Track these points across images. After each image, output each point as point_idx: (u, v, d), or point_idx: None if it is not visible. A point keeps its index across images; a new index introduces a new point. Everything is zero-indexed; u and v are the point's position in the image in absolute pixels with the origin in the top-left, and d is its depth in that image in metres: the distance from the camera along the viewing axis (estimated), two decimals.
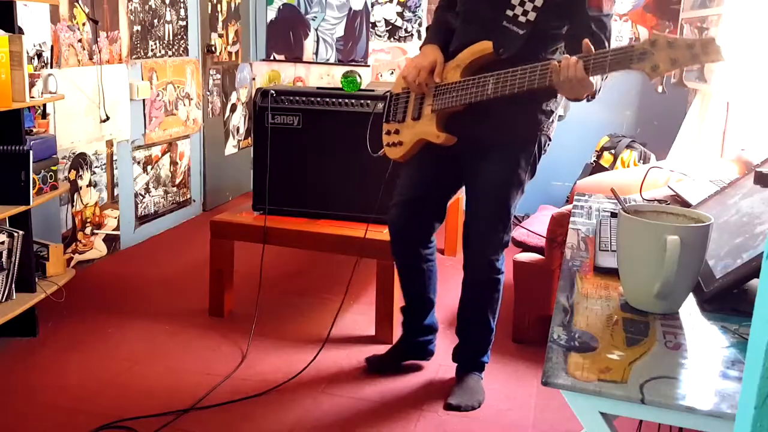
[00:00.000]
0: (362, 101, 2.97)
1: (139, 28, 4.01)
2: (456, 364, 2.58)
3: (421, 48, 2.34)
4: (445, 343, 2.79)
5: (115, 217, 3.93)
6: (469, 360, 2.54)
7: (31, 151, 2.65)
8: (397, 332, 2.97)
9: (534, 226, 3.20)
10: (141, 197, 4.18)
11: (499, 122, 2.21)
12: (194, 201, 4.79)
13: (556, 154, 4.82)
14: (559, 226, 2.71)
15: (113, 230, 3.92)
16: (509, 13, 2.09)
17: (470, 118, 2.22)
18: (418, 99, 2.31)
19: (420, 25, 4.96)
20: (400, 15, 5.02)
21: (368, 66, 5.14)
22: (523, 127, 2.27)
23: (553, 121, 2.33)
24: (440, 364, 2.75)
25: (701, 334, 1.23)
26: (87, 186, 3.67)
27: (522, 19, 2.08)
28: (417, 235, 2.47)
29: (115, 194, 3.91)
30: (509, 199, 2.29)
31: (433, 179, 2.41)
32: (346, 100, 3.00)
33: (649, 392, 1.01)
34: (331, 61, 5.25)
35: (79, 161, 3.60)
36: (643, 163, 4.04)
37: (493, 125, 2.22)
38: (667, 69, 1.63)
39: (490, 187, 2.29)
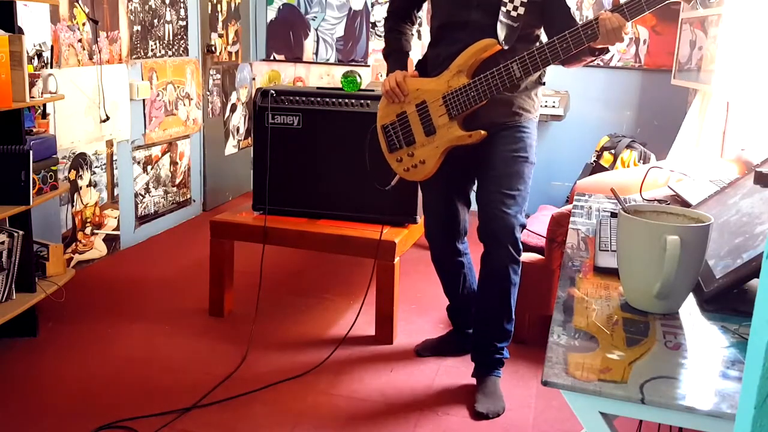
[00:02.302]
0: (362, 101, 2.97)
1: (139, 28, 4.01)
2: (470, 367, 2.57)
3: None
4: None
5: (115, 217, 3.93)
6: (490, 355, 2.51)
7: (31, 151, 2.65)
8: (398, 332, 2.98)
9: (534, 226, 3.20)
10: (141, 197, 4.18)
11: (507, 109, 2.36)
12: (194, 201, 4.79)
13: (556, 154, 4.87)
14: (559, 226, 2.71)
15: (113, 230, 3.92)
16: (504, 9, 2.24)
17: (482, 111, 2.31)
18: (422, 117, 2.37)
19: (420, 25, 4.96)
20: None
21: (368, 66, 5.14)
22: (525, 111, 2.40)
23: (539, 102, 2.50)
24: (440, 365, 2.75)
25: (701, 334, 1.23)
26: (87, 186, 3.67)
27: (514, 13, 2.25)
28: (454, 235, 2.59)
29: (115, 194, 3.91)
30: (526, 176, 2.38)
31: (452, 179, 2.51)
32: (346, 100, 3.00)
33: (649, 392, 1.02)
34: (331, 61, 5.26)
35: (79, 161, 3.60)
36: (643, 163, 4.04)
37: (503, 113, 2.36)
38: None
39: (508, 166, 2.36)
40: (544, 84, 2.44)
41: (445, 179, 2.49)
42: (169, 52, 4.35)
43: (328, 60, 5.26)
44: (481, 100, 2.25)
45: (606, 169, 4.05)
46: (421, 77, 2.40)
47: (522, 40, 2.29)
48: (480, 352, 2.54)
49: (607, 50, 2.19)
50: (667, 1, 1.97)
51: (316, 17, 5.23)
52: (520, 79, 2.21)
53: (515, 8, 2.23)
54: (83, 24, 3.53)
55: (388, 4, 2.64)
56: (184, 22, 4.50)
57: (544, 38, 2.42)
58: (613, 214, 1.85)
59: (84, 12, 3.52)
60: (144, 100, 4.11)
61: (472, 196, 2.59)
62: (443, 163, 2.42)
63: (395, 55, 2.51)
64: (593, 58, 2.22)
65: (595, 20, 2.06)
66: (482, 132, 2.31)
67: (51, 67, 3.12)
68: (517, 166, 2.36)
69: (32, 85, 2.72)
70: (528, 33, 2.31)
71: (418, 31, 4.96)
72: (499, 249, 2.35)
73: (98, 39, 3.65)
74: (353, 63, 5.18)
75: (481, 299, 2.50)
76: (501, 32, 2.24)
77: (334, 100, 3.01)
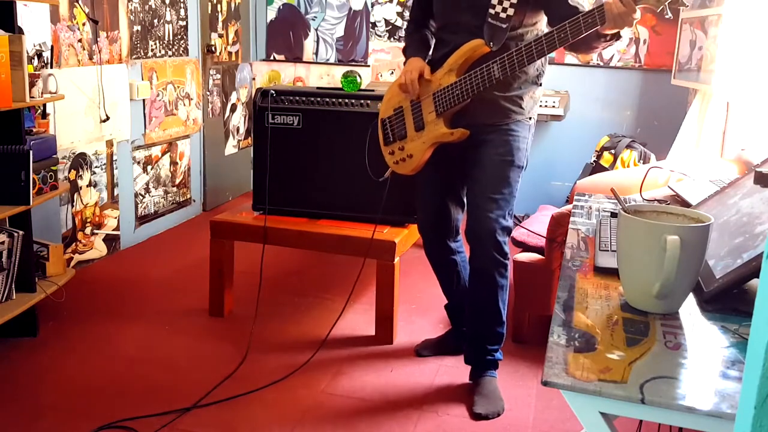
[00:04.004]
0: (362, 101, 2.97)
1: (139, 28, 4.01)
2: (469, 367, 2.57)
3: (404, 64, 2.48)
4: None
5: (115, 217, 3.93)
6: (482, 356, 2.51)
7: (31, 151, 2.65)
8: (398, 332, 2.98)
9: (534, 226, 3.19)
10: (141, 197, 4.18)
11: (494, 110, 2.36)
12: (194, 201, 4.79)
13: (556, 154, 4.87)
14: (559, 226, 2.71)
15: (113, 230, 3.92)
16: (492, 11, 2.25)
17: (468, 111, 2.34)
18: (414, 112, 2.41)
19: None
20: (400, 15, 5.03)
21: (368, 66, 5.14)
22: (515, 114, 2.39)
23: (535, 105, 2.47)
24: (440, 364, 2.75)
25: (701, 334, 1.23)
26: (87, 186, 3.67)
27: (503, 15, 2.26)
28: (446, 232, 2.61)
29: (115, 194, 3.91)
30: (511, 179, 2.38)
31: (445, 178, 2.54)
32: (346, 100, 3.00)
33: (649, 392, 1.01)
34: (331, 61, 5.25)
35: (79, 161, 3.60)
36: (643, 163, 4.04)
37: (489, 113, 2.36)
38: None
39: (493, 169, 2.37)
40: (540, 85, 2.43)
41: (439, 178, 2.53)
42: (169, 52, 4.35)
43: (328, 60, 5.26)
44: (464, 98, 2.28)
45: (606, 169, 4.05)
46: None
47: (514, 39, 2.29)
48: (473, 353, 2.55)
49: (619, 36, 2.11)
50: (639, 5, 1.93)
51: (316, 17, 5.23)
52: (499, 79, 2.22)
53: (504, 9, 2.24)
54: (83, 24, 3.53)
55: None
56: (184, 22, 4.50)
57: None
58: (613, 214, 1.85)
59: (84, 12, 3.52)
60: (144, 100, 4.11)
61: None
62: (437, 163, 2.45)
63: (413, 45, 2.52)
64: (606, 44, 2.17)
65: (598, 8, 2.01)
66: (464, 131, 2.34)
67: (51, 67, 3.12)
68: (502, 169, 2.36)
69: (32, 85, 2.72)
70: (521, 33, 2.32)
71: None
72: (483, 251, 2.37)
73: (98, 39, 3.65)
74: (353, 63, 5.18)
75: (470, 301, 2.52)
76: (487, 34, 2.26)
77: (334, 100, 3.01)
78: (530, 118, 2.44)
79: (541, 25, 2.38)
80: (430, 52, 2.48)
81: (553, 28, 2.10)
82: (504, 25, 2.25)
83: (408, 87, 2.38)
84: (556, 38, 2.09)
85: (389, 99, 2.51)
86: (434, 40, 2.50)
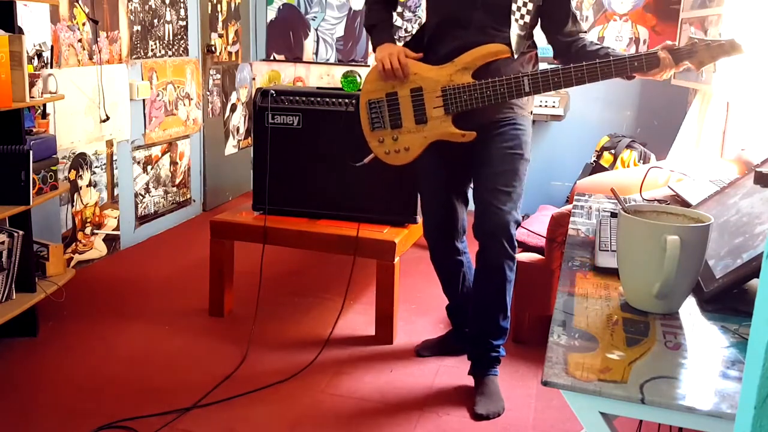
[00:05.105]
0: None
1: (139, 28, 4.01)
2: (468, 365, 2.57)
3: (375, 47, 2.42)
4: None
5: (115, 217, 3.93)
6: (486, 353, 2.50)
7: (31, 151, 2.65)
8: (398, 332, 2.98)
9: (534, 226, 3.19)
10: (141, 197, 4.18)
11: (500, 106, 2.35)
12: (194, 201, 4.79)
13: (556, 154, 4.87)
14: (559, 226, 2.71)
15: (113, 230, 3.92)
16: (513, 18, 2.25)
17: (476, 109, 2.31)
18: (415, 103, 2.35)
19: (420, 25, 4.96)
20: (400, 15, 5.03)
21: (368, 66, 5.13)
22: (519, 108, 2.40)
23: (533, 99, 2.53)
24: (440, 365, 2.75)
25: (701, 334, 1.23)
26: (87, 186, 3.67)
27: (521, 21, 2.27)
28: (452, 233, 2.59)
29: (115, 194, 3.91)
30: (521, 172, 2.38)
31: (450, 176, 2.52)
32: (346, 100, 2.99)
33: (649, 392, 1.02)
34: (331, 61, 5.26)
35: (79, 161, 3.60)
36: (643, 163, 4.04)
37: (496, 109, 2.35)
38: (708, 62, 2.12)
39: (504, 163, 2.36)
40: None
41: (443, 178, 2.50)
42: (169, 52, 4.35)
43: (328, 60, 5.26)
44: (483, 103, 2.26)
45: (606, 169, 4.05)
46: (420, 62, 2.36)
47: (526, 36, 2.33)
48: (476, 350, 2.53)
49: (634, 76, 2.20)
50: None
51: (316, 17, 5.23)
52: (528, 94, 2.24)
53: (522, 16, 2.25)
54: (83, 24, 3.53)
55: None
56: (184, 22, 4.50)
57: (539, 37, 2.43)
58: (613, 214, 1.85)
59: (84, 12, 3.52)
60: (144, 100, 4.11)
61: (470, 194, 2.59)
62: (441, 161, 2.44)
63: (382, 25, 2.47)
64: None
65: (648, 57, 2.09)
66: (473, 133, 2.32)
67: (51, 67, 3.12)
68: (512, 163, 2.36)
69: (32, 85, 2.72)
70: (528, 30, 2.34)
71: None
72: (494, 245, 2.34)
73: (98, 39, 3.65)
74: (353, 63, 5.18)
75: (476, 296, 2.49)
76: (514, 41, 2.25)
77: (334, 100, 3.01)
78: (531, 112, 2.47)
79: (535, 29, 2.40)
80: (442, 49, 2.35)
81: (598, 60, 2.13)
82: (523, 33, 2.27)
83: (397, 72, 2.30)
84: (599, 72, 2.13)
85: (375, 80, 2.39)
86: (429, 34, 2.41)
